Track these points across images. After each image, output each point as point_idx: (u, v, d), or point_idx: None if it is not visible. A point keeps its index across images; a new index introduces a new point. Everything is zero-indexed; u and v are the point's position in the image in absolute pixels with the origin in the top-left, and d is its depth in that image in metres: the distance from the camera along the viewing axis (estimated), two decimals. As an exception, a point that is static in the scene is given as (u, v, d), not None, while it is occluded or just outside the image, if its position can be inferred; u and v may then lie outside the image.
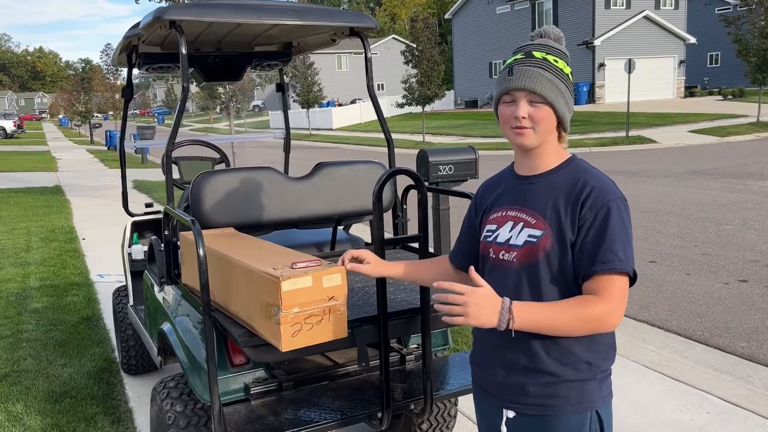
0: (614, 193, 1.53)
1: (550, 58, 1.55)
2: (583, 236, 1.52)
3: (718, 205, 9.95)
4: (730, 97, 32.78)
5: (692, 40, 35.81)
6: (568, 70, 1.58)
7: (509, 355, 1.62)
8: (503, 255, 1.63)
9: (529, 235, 1.58)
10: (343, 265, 1.93)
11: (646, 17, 34.31)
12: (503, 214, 1.67)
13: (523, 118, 1.54)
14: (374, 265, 1.91)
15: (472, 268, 1.50)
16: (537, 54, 1.56)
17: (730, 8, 38.35)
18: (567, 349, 1.57)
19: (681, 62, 36.10)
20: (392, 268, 1.92)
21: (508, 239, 1.63)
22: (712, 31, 40.33)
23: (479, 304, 1.44)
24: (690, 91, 36.45)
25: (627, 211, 1.54)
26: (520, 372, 1.61)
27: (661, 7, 35.55)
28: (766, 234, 7.92)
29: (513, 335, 1.54)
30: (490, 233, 1.68)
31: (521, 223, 1.61)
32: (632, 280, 1.53)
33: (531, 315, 1.48)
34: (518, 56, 1.58)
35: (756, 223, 8.55)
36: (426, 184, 3.11)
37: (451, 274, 1.90)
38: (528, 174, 1.66)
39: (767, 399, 3.83)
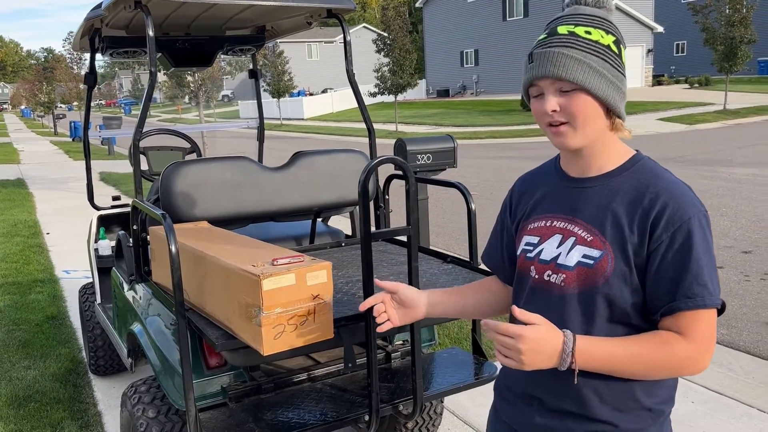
0: (694, 206, 1.23)
1: (580, 30, 1.24)
2: (658, 262, 1.22)
3: (690, 192, 10.03)
4: (697, 85, 33.31)
5: (660, 29, 36.23)
6: (608, 40, 1.25)
7: (551, 398, 1.34)
8: (549, 276, 1.33)
9: (584, 255, 1.28)
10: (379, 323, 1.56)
11: (615, 6, 34.57)
12: (548, 224, 1.37)
13: (554, 111, 1.25)
14: (407, 312, 1.54)
15: (514, 306, 1.22)
16: (562, 29, 1.26)
17: (696, -3, 38.92)
18: (627, 395, 1.29)
19: (649, 51, 36.51)
20: (434, 307, 1.55)
21: (556, 257, 1.32)
22: (678, 20, 40.88)
23: (535, 350, 1.17)
24: (658, 80, 36.91)
25: (709, 227, 1.25)
26: (564, 417, 1.33)
27: (630, -4, 35.90)
28: (738, 220, 7.99)
29: (576, 381, 1.26)
30: (531, 247, 1.38)
31: (572, 238, 1.31)
32: (719, 311, 1.26)
33: (599, 358, 1.21)
34: (542, 37, 1.29)
35: (728, 209, 8.63)
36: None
37: (501, 295, 1.57)
38: (580, 175, 1.35)
39: (749, 387, 3.82)
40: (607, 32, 1.26)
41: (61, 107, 44.43)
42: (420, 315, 1.55)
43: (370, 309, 2.00)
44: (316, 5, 2.92)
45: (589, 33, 1.25)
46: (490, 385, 3.50)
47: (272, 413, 2.24)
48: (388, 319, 1.54)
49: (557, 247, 1.32)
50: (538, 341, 1.17)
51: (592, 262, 1.27)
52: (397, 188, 4.34)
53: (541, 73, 1.24)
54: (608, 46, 1.25)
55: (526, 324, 1.19)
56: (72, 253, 7.63)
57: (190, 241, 2.25)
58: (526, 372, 1.34)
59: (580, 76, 1.22)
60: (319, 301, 1.86)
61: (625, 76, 1.28)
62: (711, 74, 33.38)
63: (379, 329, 1.58)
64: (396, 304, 1.55)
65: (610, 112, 1.27)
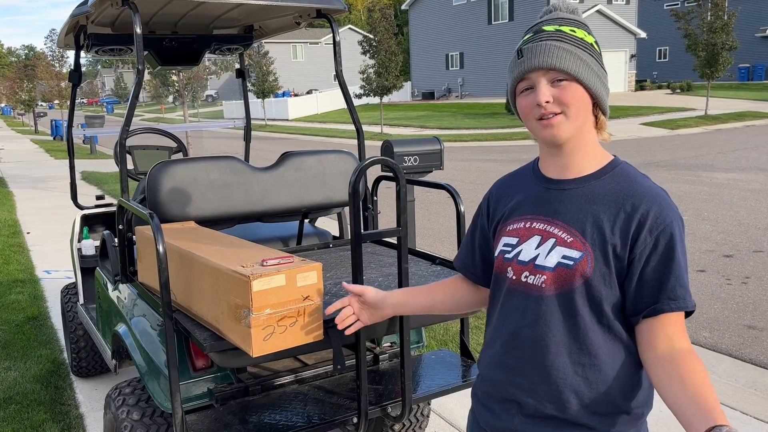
0: (674, 211, 1.27)
1: (565, 29, 1.27)
2: (643, 265, 1.24)
3: (672, 196, 10.13)
4: (678, 90, 33.73)
5: (643, 34, 36.63)
6: (591, 39, 1.30)
7: (531, 401, 1.33)
8: (527, 277, 1.33)
9: (564, 256, 1.28)
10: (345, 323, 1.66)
11: (598, 11, 34.90)
12: (527, 225, 1.37)
13: (547, 102, 1.25)
14: (374, 312, 1.64)
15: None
16: (548, 28, 1.28)
17: (678, 4, 39.42)
18: (607, 398, 1.29)
19: (632, 56, 36.88)
20: (401, 307, 1.62)
21: (534, 258, 1.33)
22: (660, 25, 41.42)
23: None
24: (640, 85, 37.31)
25: (684, 230, 1.29)
26: (544, 421, 1.33)
27: (613, 2, 36.23)
28: (720, 224, 8.09)
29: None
30: (510, 248, 1.38)
31: (552, 240, 1.31)
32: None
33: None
34: (528, 36, 1.31)
35: (710, 213, 8.73)
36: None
37: (469, 294, 1.59)
38: (559, 177, 1.36)
39: (732, 390, 3.86)
40: (588, 33, 1.31)
41: (41, 105, 43.89)
42: (387, 315, 1.64)
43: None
44: (306, 5, 2.91)
45: (573, 31, 1.29)
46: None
47: (259, 415, 2.22)
48: (358, 319, 1.66)
49: (536, 248, 1.33)
50: None
51: (571, 262, 1.28)
52: (383, 190, 4.32)
53: (534, 64, 1.26)
54: (591, 45, 1.30)
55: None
56: (53, 253, 7.53)
57: (177, 241, 2.23)
58: (506, 375, 1.37)
59: (573, 66, 1.25)
60: (309, 303, 1.84)
61: (607, 75, 1.33)
62: (693, 80, 33.85)
63: (347, 331, 1.67)
64: (363, 305, 1.65)
65: (596, 106, 1.31)
